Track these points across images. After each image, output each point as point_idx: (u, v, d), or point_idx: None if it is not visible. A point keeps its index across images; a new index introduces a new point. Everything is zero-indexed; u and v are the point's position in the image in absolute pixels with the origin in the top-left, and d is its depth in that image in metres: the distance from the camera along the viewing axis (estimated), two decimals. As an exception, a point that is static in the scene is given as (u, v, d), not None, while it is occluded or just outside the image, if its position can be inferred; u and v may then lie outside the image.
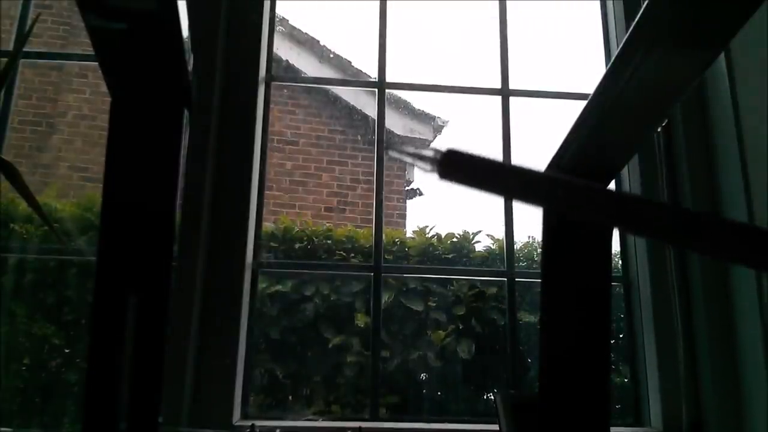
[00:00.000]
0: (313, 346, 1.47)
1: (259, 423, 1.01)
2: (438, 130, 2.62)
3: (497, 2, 1.35)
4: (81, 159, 2.08)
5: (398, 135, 2.49)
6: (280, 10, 1.36)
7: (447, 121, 2.60)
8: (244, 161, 1.14)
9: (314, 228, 1.66)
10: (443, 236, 1.71)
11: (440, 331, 1.49)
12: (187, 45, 0.50)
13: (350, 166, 2.48)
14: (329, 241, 1.61)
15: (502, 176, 0.29)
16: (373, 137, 1.24)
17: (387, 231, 1.69)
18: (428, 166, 0.30)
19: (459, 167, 0.30)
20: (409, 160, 0.33)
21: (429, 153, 0.30)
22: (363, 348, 1.43)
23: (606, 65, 1.14)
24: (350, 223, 2.14)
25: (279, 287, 1.49)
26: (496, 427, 0.81)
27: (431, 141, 2.62)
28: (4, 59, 1.09)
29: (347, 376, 1.43)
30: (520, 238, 1.62)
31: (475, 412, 1.53)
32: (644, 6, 0.41)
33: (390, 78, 1.28)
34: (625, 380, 1.23)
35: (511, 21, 1.34)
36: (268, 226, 1.59)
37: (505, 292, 1.22)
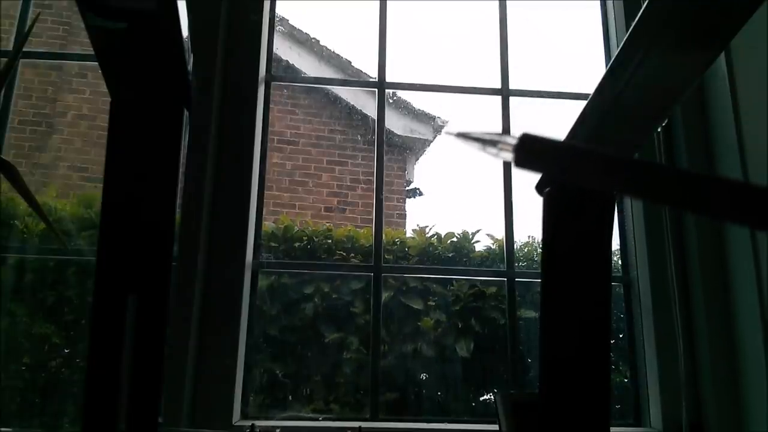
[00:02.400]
0: (312, 346, 1.47)
1: (259, 423, 1.01)
2: (438, 130, 2.62)
3: (497, 2, 1.35)
4: (81, 159, 2.08)
5: (398, 135, 2.49)
6: (280, 10, 1.36)
7: (447, 121, 2.59)
8: (244, 161, 1.14)
9: (314, 228, 1.66)
10: (443, 236, 1.71)
11: (440, 330, 1.48)
12: (187, 45, 0.50)
13: (350, 166, 2.48)
14: (329, 241, 1.61)
15: (583, 161, 0.28)
16: (373, 137, 1.24)
17: (387, 231, 1.68)
18: (502, 153, 0.29)
19: (536, 153, 0.28)
20: (478, 147, 0.31)
21: (505, 139, 0.29)
22: (362, 347, 1.43)
23: (606, 65, 1.14)
24: (350, 223, 2.14)
25: (279, 287, 1.49)
26: (496, 427, 0.81)
27: (431, 141, 2.62)
28: (4, 59, 1.09)
29: (347, 375, 1.43)
30: (520, 238, 1.62)
31: (474, 412, 1.53)
32: (644, 6, 0.41)
33: (390, 78, 1.29)
34: (625, 380, 1.23)
35: (511, 21, 1.34)
36: (268, 226, 1.59)
37: (505, 291, 1.22)
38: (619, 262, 1.26)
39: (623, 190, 0.27)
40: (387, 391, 1.38)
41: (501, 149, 0.29)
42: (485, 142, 0.30)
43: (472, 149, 0.31)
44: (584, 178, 0.29)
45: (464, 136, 0.31)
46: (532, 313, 1.34)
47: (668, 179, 0.25)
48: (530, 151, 0.28)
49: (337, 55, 2.43)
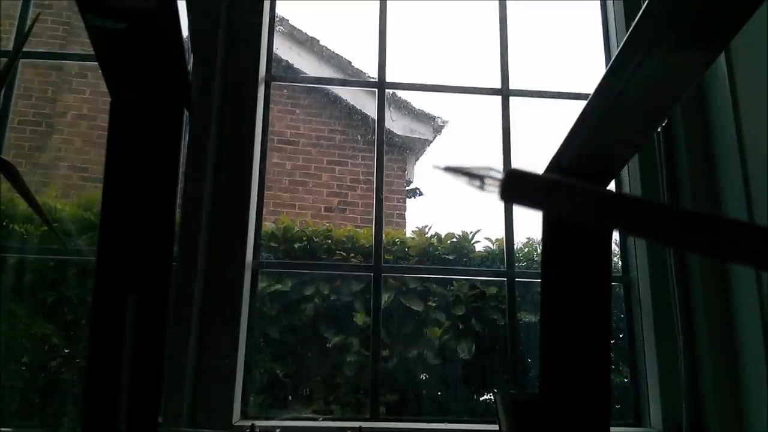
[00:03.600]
0: (312, 346, 1.47)
1: (259, 423, 1.01)
2: (438, 130, 2.62)
3: (497, 2, 1.35)
4: (81, 159, 2.08)
5: (398, 135, 2.49)
6: (280, 10, 1.36)
7: (447, 121, 2.60)
8: (244, 161, 1.14)
9: (314, 228, 1.66)
10: (443, 236, 1.71)
11: (436, 328, 1.49)
12: (187, 45, 0.50)
13: (350, 166, 2.48)
14: (329, 241, 1.61)
15: (570, 197, 0.27)
16: (373, 137, 1.24)
17: (387, 231, 1.68)
18: (488, 188, 0.29)
19: (522, 189, 0.28)
20: (465, 180, 0.31)
21: (491, 174, 0.29)
22: (363, 348, 1.43)
23: (606, 65, 1.14)
24: (350, 223, 2.14)
25: (279, 286, 1.49)
26: (496, 427, 0.81)
27: (431, 141, 2.62)
28: (4, 59, 1.09)
29: (347, 375, 1.43)
30: (519, 239, 1.62)
31: (474, 412, 1.53)
32: (644, 6, 0.41)
33: (390, 78, 1.29)
34: (625, 380, 1.23)
35: (511, 21, 1.34)
36: (268, 226, 1.59)
37: (505, 292, 1.22)
38: (619, 262, 1.26)
39: (612, 226, 0.27)
40: (387, 392, 1.38)
41: (488, 184, 0.29)
42: (472, 176, 0.30)
43: (460, 182, 0.30)
44: (572, 214, 0.29)
45: (453, 170, 0.31)
46: (532, 314, 1.34)
47: (658, 216, 0.24)
48: (516, 188, 0.28)
49: (337, 55, 2.43)
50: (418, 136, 2.60)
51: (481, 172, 0.29)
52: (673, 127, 1.21)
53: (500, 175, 0.28)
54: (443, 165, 0.31)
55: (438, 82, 1.36)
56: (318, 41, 2.41)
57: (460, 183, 0.30)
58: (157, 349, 0.47)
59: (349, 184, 2.45)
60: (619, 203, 0.26)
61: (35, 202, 0.82)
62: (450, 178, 0.31)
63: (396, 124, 2.44)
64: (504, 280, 1.23)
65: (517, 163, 1.24)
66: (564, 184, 0.28)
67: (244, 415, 1.08)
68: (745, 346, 1.05)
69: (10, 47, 1.20)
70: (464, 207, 1.92)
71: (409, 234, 1.87)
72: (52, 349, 1.32)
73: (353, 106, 2.49)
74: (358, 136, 2.51)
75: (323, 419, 1.13)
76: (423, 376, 1.46)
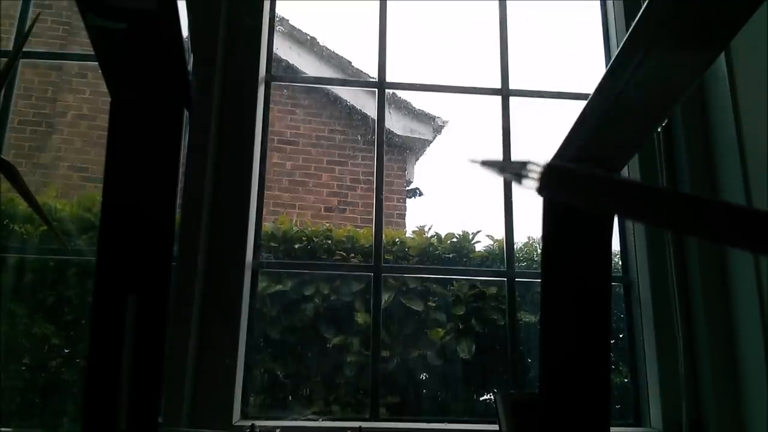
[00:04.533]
0: (312, 346, 1.47)
1: (259, 423, 1.01)
2: (438, 130, 2.62)
3: (497, 2, 1.35)
4: (81, 159, 2.08)
5: (398, 135, 2.49)
6: (280, 10, 1.36)
7: (447, 121, 2.60)
8: (244, 161, 1.14)
9: (314, 228, 1.66)
10: (443, 236, 1.71)
11: (439, 329, 1.49)
12: (187, 45, 0.50)
13: (350, 166, 2.48)
14: (329, 241, 1.61)
15: (607, 191, 0.27)
16: (373, 137, 1.24)
17: (387, 231, 1.68)
18: (525, 182, 0.29)
19: (561, 182, 0.28)
20: (502, 174, 0.31)
21: (528, 168, 0.28)
22: (363, 348, 1.43)
23: (606, 65, 1.14)
24: (350, 223, 2.14)
25: (279, 286, 1.49)
26: (496, 427, 0.81)
27: (431, 141, 2.62)
28: (4, 59, 1.09)
29: (347, 375, 1.43)
30: (520, 239, 1.62)
31: (474, 412, 1.53)
32: (644, 6, 0.41)
33: (390, 78, 1.29)
34: (625, 380, 1.23)
35: (511, 21, 1.34)
36: (268, 226, 1.59)
37: (505, 292, 1.22)
38: (619, 262, 1.26)
39: (650, 221, 0.26)
40: (387, 392, 1.38)
41: (524, 177, 0.29)
42: (508, 170, 0.30)
43: (494, 176, 0.30)
44: (609, 208, 0.28)
45: (490, 164, 0.31)
46: (532, 314, 1.34)
47: (696, 211, 0.24)
48: (554, 182, 0.28)
49: (337, 55, 2.43)
50: (418, 136, 2.60)
51: (518, 167, 0.29)
52: (673, 127, 1.21)
53: (538, 169, 0.28)
54: (480, 159, 0.31)
55: (438, 82, 1.36)
56: (318, 41, 2.41)
57: (497, 177, 0.30)
58: (157, 349, 0.47)
59: (349, 184, 2.45)
60: (656, 198, 0.25)
61: (35, 202, 0.82)
62: (486, 172, 0.30)
63: (396, 124, 2.44)
64: (504, 280, 1.23)
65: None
66: (602, 178, 0.27)
67: (244, 415, 1.08)
68: (745, 346, 1.05)
69: (10, 47, 1.20)
70: (464, 207, 1.92)
71: (409, 234, 1.87)
72: (52, 349, 1.32)
73: (353, 106, 2.49)
74: (358, 136, 2.51)
75: (323, 419, 1.13)
76: (423, 376, 1.46)
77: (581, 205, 0.34)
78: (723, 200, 0.23)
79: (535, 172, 0.28)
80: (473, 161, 0.31)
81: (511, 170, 0.30)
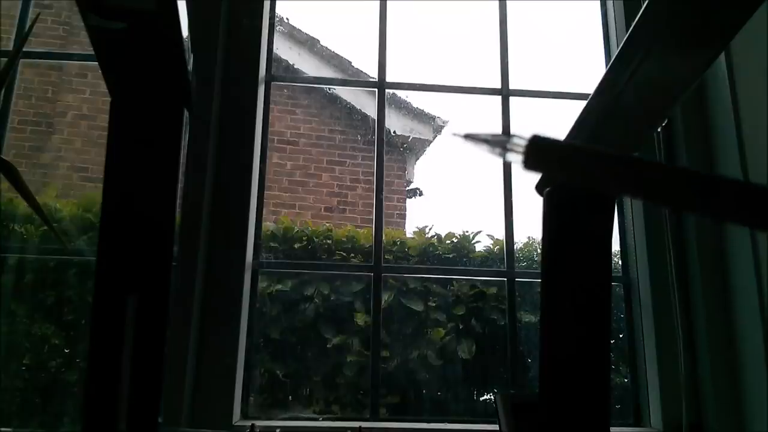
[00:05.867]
0: (313, 346, 1.47)
1: (259, 423, 1.01)
2: (438, 130, 2.62)
3: (497, 2, 1.35)
4: (81, 159, 2.08)
5: (398, 135, 2.49)
6: (280, 10, 1.36)
7: (447, 121, 2.60)
8: (244, 161, 1.14)
9: (314, 228, 1.66)
10: (443, 236, 1.71)
11: (440, 329, 1.49)
12: (187, 45, 0.50)
13: (350, 166, 2.48)
14: (329, 241, 1.61)
15: (594, 163, 0.27)
16: (373, 137, 1.24)
17: (387, 231, 1.68)
18: (511, 156, 0.28)
19: (546, 155, 0.27)
20: (486, 148, 0.30)
21: (514, 141, 0.27)
22: (363, 348, 1.43)
23: (606, 65, 1.14)
24: (350, 223, 2.14)
25: (279, 286, 1.49)
26: (496, 427, 0.81)
27: (431, 141, 2.62)
28: (4, 59, 1.09)
29: (347, 375, 1.43)
30: (520, 239, 1.62)
31: (474, 412, 1.53)
32: (644, 6, 0.41)
33: (390, 78, 1.29)
34: (625, 380, 1.23)
35: (511, 21, 1.34)
36: (268, 226, 1.59)
37: (505, 292, 1.22)
38: (619, 262, 1.26)
39: (637, 194, 0.26)
40: (387, 392, 1.38)
41: (509, 151, 0.28)
42: (493, 143, 0.29)
43: (479, 150, 0.30)
44: (595, 181, 0.28)
45: (472, 137, 0.30)
46: (532, 314, 1.34)
47: (681, 182, 0.24)
48: (540, 154, 0.27)
49: (338, 55, 2.43)
50: (418, 136, 2.60)
51: (503, 140, 0.28)
52: (673, 127, 1.21)
53: (523, 143, 0.27)
54: (462, 133, 0.30)
55: (438, 82, 1.36)
56: (318, 41, 2.41)
57: (481, 151, 0.29)
58: (157, 349, 0.47)
59: (349, 184, 2.45)
60: (642, 169, 0.25)
61: (35, 202, 0.82)
62: (470, 146, 0.30)
63: (396, 124, 2.44)
64: (504, 280, 1.23)
65: (516, 164, 1.23)
66: (587, 150, 0.27)
67: (244, 415, 1.08)
68: (745, 346, 1.05)
69: (10, 47, 1.20)
70: (464, 207, 1.92)
71: (409, 234, 1.87)
72: (52, 349, 1.32)
73: (353, 106, 2.49)
74: (358, 136, 2.51)
75: (323, 419, 1.13)
76: (423, 376, 1.46)
77: (567, 179, 0.34)
78: (717, 173, 0.23)
79: (519, 145, 0.27)
80: (456, 135, 0.30)
81: (495, 144, 0.29)
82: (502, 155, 0.28)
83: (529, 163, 0.27)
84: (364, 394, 1.39)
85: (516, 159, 0.28)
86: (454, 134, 0.30)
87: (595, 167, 0.27)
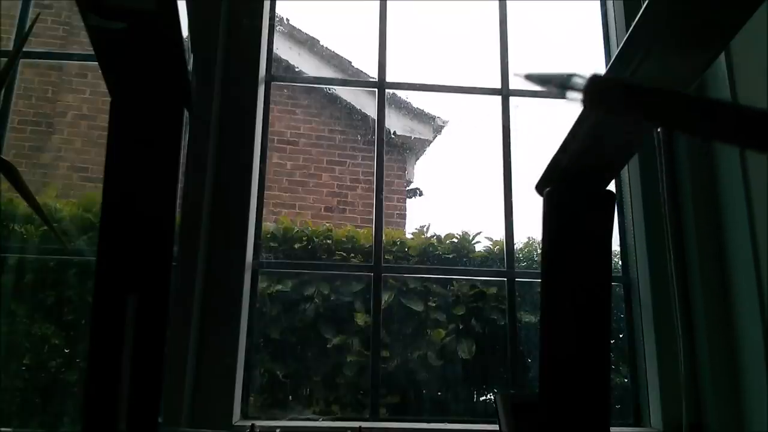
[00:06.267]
0: (313, 346, 1.48)
1: (259, 423, 1.01)
2: (438, 130, 2.62)
3: (497, 2, 1.35)
4: (81, 159, 2.08)
5: (398, 135, 2.49)
6: (280, 10, 1.36)
7: (447, 121, 2.60)
8: (244, 161, 1.14)
9: (314, 228, 1.66)
10: (443, 236, 1.71)
11: (440, 329, 1.49)
12: (187, 45, 0.50)
13: (350, 166, 2.48)
14: (329, 241, 1.61)
15: (653, 100, 0.27)
16: (373, 137, 1.24)
17: (387, 231, 1.68)
18: (570, 94, 0.28)
19: (606, 93, 0.28)
20: (547, 88, 0.30)
21: (573, 80, 0.28)
22: (363, 348, 1.43)
23: (606, 65, 1.14)
24: (350, 223, 2.14)
25: (279, 286, 1.49)
26: (496, 427, 0.81)
27: (431, 141, 2.62)
28: (4, 59, 1.09)
29: (347, 375, 1.43)
30: (519, 239, 1.62)
31: (474, 412, 1.53)
32: (644, 6, 0.41)
33: (390, 78, 1.29)
34: (625, 380, 1.23)
35: (511, 21, 1.34)
36: (268, 226, 1.59)
37: (505, 292, 1.22)
38: (619, 262, 1.26)
39: (694, 131, 0.27)
40: (387, 392, 1.38)
41: (570, 89, 0.28)
42: (554, 82, 0.29)
43: (541, 89, 0.31)
44: (654, 118, 0.28)
45: (532, 77, 0.30)
46: (532, 314, 1.34)
47: (735, 118, 0.24)
48: (599, 92, 0.28)
49: (338, 55, 2.43)
50: (418, 136, 2.60)
51: (563, 79, 0.29)
52: (673, 127, 1.21)
53: (583, 81, 0.28)
54: (523, 72, 0.30)
55: (438, 82, 1.36)
56: (318, 41, 2.41)
57: (543, 90, 0.30)
58: (157, 349, 0.47)
59: (349, 184, 2.45)
60: (702, 107, 0.25)
61: (35, 202, 0.82)
62: (530, 85, 0.31)
63: (396, 124, 2.44)
64: (504, 280, 1.23)
65: (516, 164, 1.24)
66: (646, 88, 0.28)
67: (244, 415, 1.08)
68: (745, 346, 1.05)
69: (10, 47, 1.20)
70: (464, 207, 1.92)
71: (409, 234, 1.87)
72: (52, 349, 1.32)
73: (353, 106, 2.49)
74: (358, 136, 2.51)
75: (323, 419, 1.13)
76: (423, 376, 1.46)
77: (626, 114, 0.34)
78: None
79: (579, 84, 0.28)
80: (517, 75, 0.32)
81: (556, 83, 0.29)
82: (562, 94, 0.29)
83: (589, 102, 0.28)
84: (364, 394, 1.39)
85: (576, 97, 0.28)
86: (515, 74, 0.31)
87: (652, 102, 0.27)
